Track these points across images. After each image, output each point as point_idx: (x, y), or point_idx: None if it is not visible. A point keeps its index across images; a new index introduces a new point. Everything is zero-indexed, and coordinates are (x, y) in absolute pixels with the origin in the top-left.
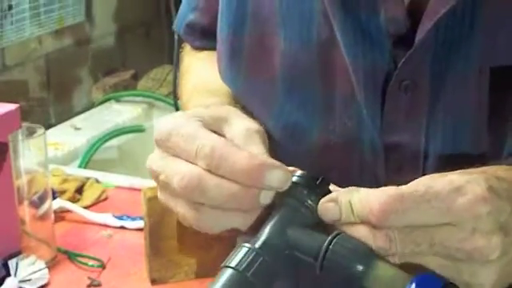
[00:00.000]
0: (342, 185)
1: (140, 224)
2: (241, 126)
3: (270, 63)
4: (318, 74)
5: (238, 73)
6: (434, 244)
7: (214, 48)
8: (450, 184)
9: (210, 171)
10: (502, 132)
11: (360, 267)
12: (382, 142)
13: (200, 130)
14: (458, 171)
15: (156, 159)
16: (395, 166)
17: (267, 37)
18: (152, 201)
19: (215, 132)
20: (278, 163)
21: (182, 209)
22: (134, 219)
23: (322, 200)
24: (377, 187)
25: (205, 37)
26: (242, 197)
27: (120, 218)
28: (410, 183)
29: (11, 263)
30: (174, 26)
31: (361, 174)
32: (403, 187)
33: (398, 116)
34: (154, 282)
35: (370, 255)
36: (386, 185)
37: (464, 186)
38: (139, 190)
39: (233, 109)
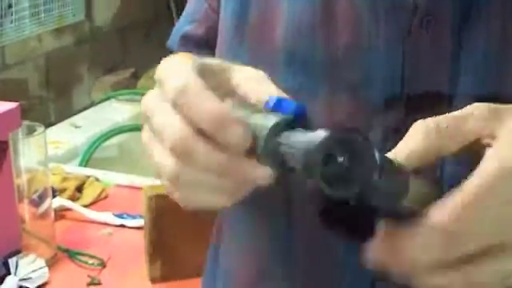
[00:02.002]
0: None
1: (140, 222)
2: (250, 70)
3: (272, 35)
4: (321, 29)
5: (241, 47)
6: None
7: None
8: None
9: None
10: None
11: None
12: (401, 81)
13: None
14: None
15: (153, 97)
16: (414, 111)
17: (270, 11)
18: (152, 199)
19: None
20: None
21: (165, 164)
22: (134, 217)
23: None
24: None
25: (198, 47)
26: (231, 168)
27: (120, 216)
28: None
29: (11, 262)
30: (169, 43)
31: (369, 127)
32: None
33: (421, 53)
34: (154, 280)
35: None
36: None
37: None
38: (139, 188)
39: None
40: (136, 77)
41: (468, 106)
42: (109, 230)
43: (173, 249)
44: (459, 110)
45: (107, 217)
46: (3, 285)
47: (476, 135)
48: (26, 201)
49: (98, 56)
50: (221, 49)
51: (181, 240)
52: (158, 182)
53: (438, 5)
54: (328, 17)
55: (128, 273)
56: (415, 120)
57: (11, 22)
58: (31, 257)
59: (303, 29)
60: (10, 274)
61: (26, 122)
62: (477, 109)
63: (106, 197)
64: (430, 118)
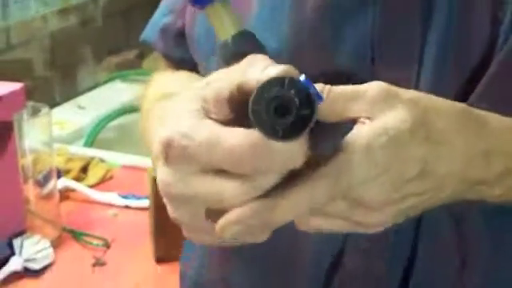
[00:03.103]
0: None
1: (145, 203)
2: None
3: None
4: None
5: None
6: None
7: (189, 60)
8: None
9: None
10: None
11: None
12: (370, 40)
13: (218, 129)
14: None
15: (175, 182)
16: (387, 64)
17: None
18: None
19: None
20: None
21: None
22: (139, 198)
23: None
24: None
25: (179, 43)
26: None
27: (125, 197)
28: None
29: (16, 242)
30: (144, 36)
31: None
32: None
33: (391, 12)
34: (158, 260)
35: None
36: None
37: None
38: (144, 169)
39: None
40: (141, 57)
41: (366, 85)
42: (114, 210)
43: (177, 229)
44: (357, 86)
45: (112, 197)
46: (8, 265)
47: (357, 115)
48: (30, 181)
49: (103, 36)
50: (194, 34)
51: None
52: None
53: None
54: None
55: (133, 253)
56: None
57: (16, 1)
58: (36, 237)
59: None
60: (14, 254)
61: (30, 103)
62: (371, 90)
63: (110, 178)
64: (324, 86)
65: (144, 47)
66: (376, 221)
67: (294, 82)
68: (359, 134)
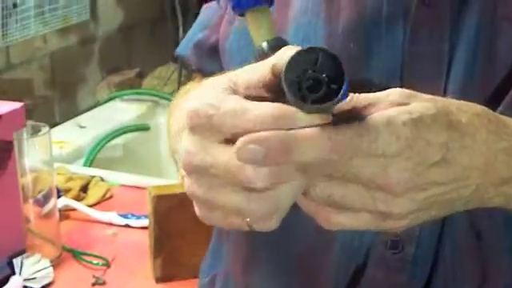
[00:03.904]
0: None
1: (145, 222)
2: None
3: (284, 17)
4: (326, 4)
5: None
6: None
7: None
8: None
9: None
10: None
11: None
12: (402, 54)
13: (244, 101)
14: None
15: (197, 150)
16: (415, 79)
17: None
18: (157, 199)
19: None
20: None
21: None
22: (138, 218)
23: None
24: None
25: (213, 57)
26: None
27: (125, 216)
28: None
29: (16, 262)
30: (177, 50)
31: None
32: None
33: (421, 29)
34: (158, 280)
35: None
36: None
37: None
38: (144, 188)
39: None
40: (141, 76)
41: (387, 91)
42: (113, 229)
43: (177, 249)
44: (379, 92)
45: (112, 217)
46: (8, 285)
47: None
48: (30, 201)
49: (103, 56)
50: (226, 39)
51: (185, 240)
52: (162, 182)
53: None
54: None
55: (133, 273)
56: None
57: (16, 21)
58: (36, 257)
59: (310, 5)
60: (14, 273)
61: (30, 122)
62: (392, 94)
63: (110, 197)
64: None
65: (144, 66)
66: (400, 210)
67: (327, 54)
68: (380, 112)
